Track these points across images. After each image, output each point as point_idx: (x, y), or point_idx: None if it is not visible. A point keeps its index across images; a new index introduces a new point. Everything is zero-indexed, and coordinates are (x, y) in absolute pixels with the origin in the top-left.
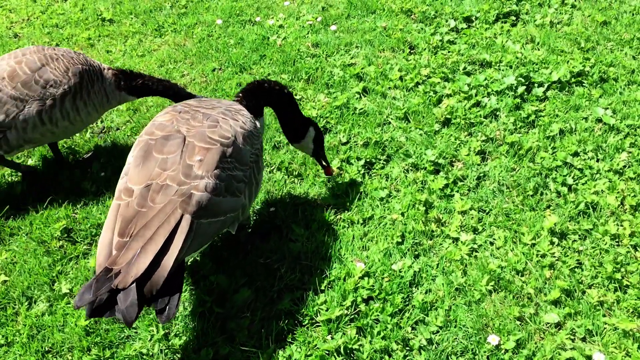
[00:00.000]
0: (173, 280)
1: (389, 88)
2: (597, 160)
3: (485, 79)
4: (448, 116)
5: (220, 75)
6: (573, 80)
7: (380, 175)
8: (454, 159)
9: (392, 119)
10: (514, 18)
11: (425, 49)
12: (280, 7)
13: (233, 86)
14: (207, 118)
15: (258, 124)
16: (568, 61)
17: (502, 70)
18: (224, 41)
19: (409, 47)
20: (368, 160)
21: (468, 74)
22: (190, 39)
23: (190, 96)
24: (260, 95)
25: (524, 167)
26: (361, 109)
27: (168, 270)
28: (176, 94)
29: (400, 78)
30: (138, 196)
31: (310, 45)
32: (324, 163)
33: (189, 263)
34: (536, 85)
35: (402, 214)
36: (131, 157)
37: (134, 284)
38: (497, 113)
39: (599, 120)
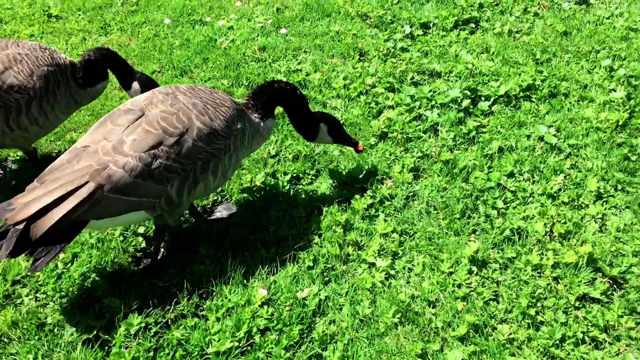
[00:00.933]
0: (57, 237)
1: (331, 97)
2: (533, 182)
3: (431, 90)
4: (385, 130)
5: (159, 78)
6: (521, 94)
7: (307, 191)
8: (385, 176)
9: None
10: (473, 25)
11: (375, 56)
12: (233, 7)
13: None
14: (173, 104)
15: (263, 125)
16: (520, 74)
17: (451, 81)
18: (169, 42)
19: (359, 54)
20: (295, 175)
21: (415, 84)
22: (136, 38)
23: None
24: (270, 96)
25: (456, 187)
26: None
27: (52, 222)
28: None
29: (344, 86)
30: (73, 153)
31: (257, 48)
32: (349, 145)
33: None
34: (483, 98)
35: (319, 235)
36: (98, 121)
37: (22, 226)
38: (438, 128)
39: (542, 139)
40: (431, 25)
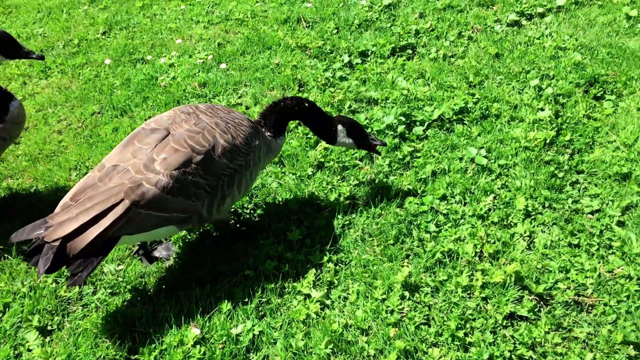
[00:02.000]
0: (94, 253)
1: None
2: (464, 204)
3: (367, 118)
4: (322, 160)
5: (99, 119)
6: (455, 117)
7: (245, 225)
8: (321, 206)
9: None
10: (410, 51)
11: (314, 86)
12: (175, 44)
13: (109, 132)
14: (197, 124)
15: (275, 142)
16: (453, 97)
17: (388, 107)
18: (109, 82)
19: (299, 85)
20: (233, 209)
21: (353, 112)
22: (77, 80)
23: None
24: (279, 114)
25: (390, 212)
26: None
27: (89, 240)
28: None
29: None
30: (103, 172)
31: (198, 84)
32: (375, 145)
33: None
34: (417, 123)
35: (256, 269)
36: (123, 141)
37: (58, 243)
38: (374, 155)
39: (473, 160)
40: (369, 53)
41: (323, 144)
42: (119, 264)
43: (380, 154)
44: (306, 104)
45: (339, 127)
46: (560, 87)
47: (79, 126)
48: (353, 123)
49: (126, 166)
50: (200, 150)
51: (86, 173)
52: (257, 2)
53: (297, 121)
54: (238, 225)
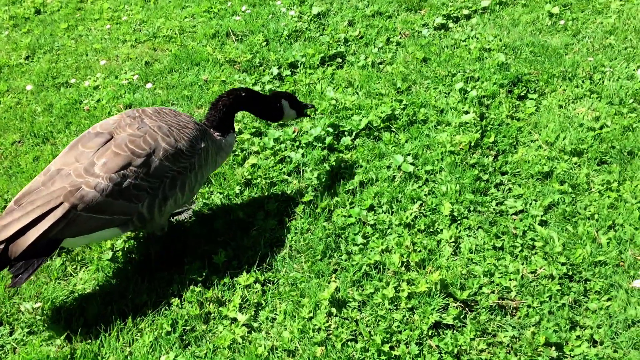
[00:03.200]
0: (35, 254)
1: None
2: (391, 213)
3: (294, 131)
4: (249, 177)
5: (19, 148)
6: (382, 125)
7: (172, 249)
8: (251, 225)
9: None
10: (340, 60)
11: None
12: (100, 66)
13: (29, 161)
14: (140, 127)
15: (224, 141)
16: (381, 104)
17: (317, 119)
18: (31, 109)
19: None
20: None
21: (282, 125)
22: None
23: None
24: (222, 112)
25: (318, 227)
26: None
27: (29, 242)
28: None
29: None
30: (47, 176)
31: (123, 106)
32: (306, 111)
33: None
34: (346, 133)
35: (180, 297)
36: (69, 144)
37: (3, 246)
38: (303, 168)
39: (400, 168)
40: (299, 64)
41: (251, 159)
42: (36, 301)
43: (311, 117)
44: (242, 93)
45: (283, 102)
46: (484, 89)
47: None
48: (290, 95)
49: (69, 170)
50: (141, 154)
51: (5, 207)
52: (185, 17)
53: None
54: (164, 250)
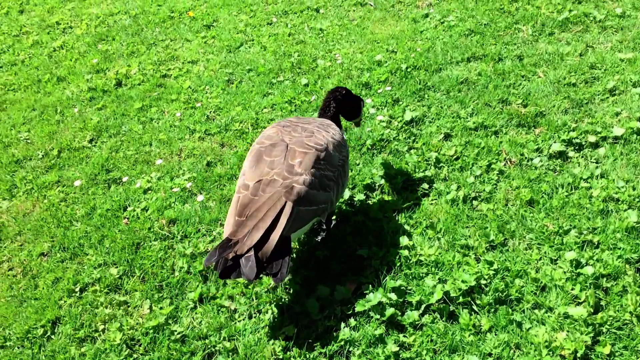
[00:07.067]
0: (281, 251)
1: None
2: None
3: (350, 289)
4: (279, 355)
5: (44, 263)
6: (462, 299)
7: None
8: None
9: None
10: (426, 187)
11: None
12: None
13: (48, 284)
14: (304, 130)
15: (345, 137)
16: (464, 264)
17: (380, 273)
18: (71, 211)
19: None
20: None
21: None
22: (40, 204)
23: None
24: (334, 111)
25: None
26: None
27: (275, 243)
28: None
29: None
30: (252, 189)
31: (165, 222)
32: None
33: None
34: (413, 304)
35: None
36: (247, 162)
37: (252, 252)
38: (349, 349)
39: None
40: (376, 186)
41: (288, 331)
42: None
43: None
44: (343, 92)
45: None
46: (604, 263)
47: (17, 273)
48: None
49: (270, 177)
50: (322, 148)
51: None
52: (265, 107)
53: None
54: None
